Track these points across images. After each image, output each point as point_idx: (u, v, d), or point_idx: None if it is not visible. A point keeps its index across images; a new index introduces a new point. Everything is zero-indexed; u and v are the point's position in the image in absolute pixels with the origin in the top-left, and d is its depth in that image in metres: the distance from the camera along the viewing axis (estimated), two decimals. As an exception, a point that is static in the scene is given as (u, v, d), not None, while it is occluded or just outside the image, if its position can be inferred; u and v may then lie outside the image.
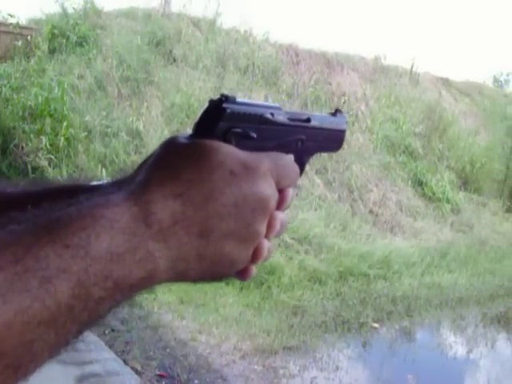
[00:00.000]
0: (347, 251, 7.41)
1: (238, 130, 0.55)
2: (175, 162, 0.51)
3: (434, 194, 10.41)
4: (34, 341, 0.42)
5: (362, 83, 12.04)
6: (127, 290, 0.48)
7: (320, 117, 0.66)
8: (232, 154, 0.52)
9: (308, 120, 0.64)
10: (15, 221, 0.45)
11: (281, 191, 0.57)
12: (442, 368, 5.72)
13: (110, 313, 0.48)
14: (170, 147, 0.54)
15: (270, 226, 0.55)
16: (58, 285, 0.43)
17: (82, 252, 0.44)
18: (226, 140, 0.54)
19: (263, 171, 0.53)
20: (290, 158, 0.59)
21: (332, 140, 0.70)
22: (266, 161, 0.54)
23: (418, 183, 10.55)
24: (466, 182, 11.46)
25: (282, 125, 0.60)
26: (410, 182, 10.45)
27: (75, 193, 0.63)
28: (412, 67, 13.30)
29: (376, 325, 6.11)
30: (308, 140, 0.64)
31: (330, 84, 11.39)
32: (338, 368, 5.14)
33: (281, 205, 0.57)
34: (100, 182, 0.68)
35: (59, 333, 0.44)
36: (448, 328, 6.87)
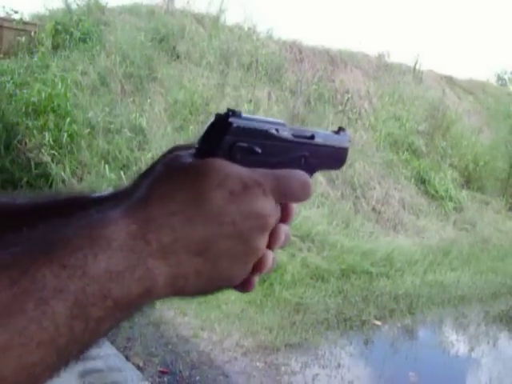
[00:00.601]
0: (350, 249, 7.41)
1: (244, 144, 0.55)
2: (175, 180, 0.51)
3: (436, 192, 10.40)
4: (35, 364, 0.42)
5: (366, 81, 12.03)
6: (126, 307, 0.48)
7: (324, 134, 0.66)
8: (233, 173, 0.52)
9: (312, 137, 0.64)
10: (12, 243, 0.45)
11: (286, 205, 0.58)
12: (444, 366, 5.71)
13: (110, 331, 0.48)
14: (172, 164, 0.53)
15: (274, 238, 0.56)
16: (55, 305, 0.43)
17: (79, 272, 0.44)
18: (230, 154, 0.54)
19: (263, 190, 0.53)
20: (298, 173, 0.59)
21: (335, 158, 0.70)
22: (268, 179, 0.54)
23: (421, 181, 10.54)
24: (469, 181, 11.44)
25: (287, 141, 0.60)
26: (412, 179, 10.44)
27: (80, 205, 0.65)
28: (415, 65, 13.29)
29: (378, 322, 6.11)
30: (311, 157, 0.64)
31: (334, 81, 11.37)
32: (339, 365, 5.14)
33: (286, 219, 0.58)
34: (103, 194, 0.69)
35: (60, 354, 0.44)
36: (450, 326, 6.87)
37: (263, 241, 0.54)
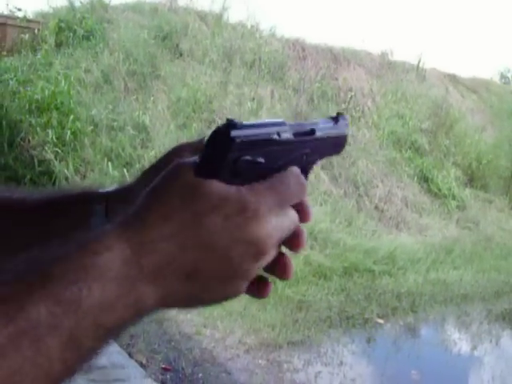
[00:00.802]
0: (352, 247, 7.41)
1: (247, 158, 0.54)
2: (173, 200, 0.51)
3: (439, 190, 10.39)
4: None
5: (369, 79, 12.01)
6: (117, 331, 0.49)
7: (323, 126, 0.65)
8: (229, 197, 0.51)
9: (312, 131, 0.63)
10: (8, 270, 0.46)
11: (298, 205, 0.58)
12: (446, 364, 5.72)
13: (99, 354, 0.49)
14: (171, 180, 0.52)
15: (296, 240, 0.57)
16: (50, 342, 0.43)
17: (73, 306, 0.44)
18: (234, 169, 0.53)
19: (261, 213, 0.52)
20: (293, 173, 0.58)
21: (335, 146, 0.70)
22: (266, 196, 0.53)
23: (424, 179, 10.52)
24: (472, 179, 11.42)
25: (289, 143, 0.59)
26: (415, 178, 10.43)
27: (90, 201, 0.69)
28: (419, 63, 13.25)
29: (380, 320, 6.11)
30: (313, 152, 0.64)
31: (337, 79, 11.36)
32: (342, 363, 5.15)
33: (304, 216, 0.59)
34: (110, 189, 0.70)
35: (54, 383, 0.45)
36: (452, 324, 6.87)
37: (256, 265, 0.53)
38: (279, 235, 0.54)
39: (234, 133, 0.52)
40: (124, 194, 0.69)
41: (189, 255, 0.50)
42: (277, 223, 0.53)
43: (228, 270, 0.52)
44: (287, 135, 0.59)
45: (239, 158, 0.53)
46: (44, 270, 0.46)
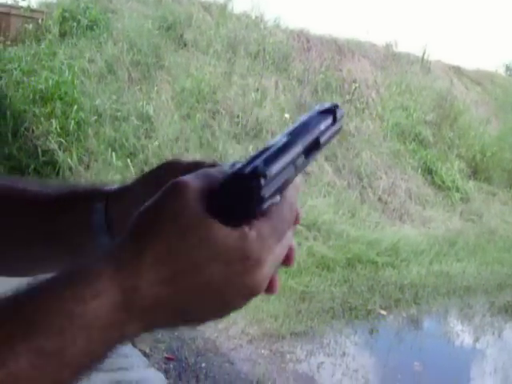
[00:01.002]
0: (356, 238, 7.41)
1: (269, 203, 0.50)
2: (172, 239, 0.47)
3: (443, 182, 10.37)
4: None
5: (373, 70, 11.97)
6: (98, 365, 0.48)
7: (325, 129, 0.59)
8: (235, 245, 0.48)
9: (318, 142, 0.57)
10: None
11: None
12: (449, 356, 5.73)
13: None
14: (171, 208, 0.48)
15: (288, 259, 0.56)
16: None
17: (57, 357, 0.43)
18: (255, 214, 0.49)
19: (263, 260, 0.50)
20: (288, 203, 0.53)
21: (331, 141, 0.65)
22: (269, 241, 0.50)
23: (428, 171, 10.51)
24: (476, 171, 11.39)
25: (302, 169, 0.56)
26: (419, 170, 10.41)
27: (92, 199, 0.68)
28: (423, 55, 13.20)
29: (383, 312, 6.12)
30: (315, 156, 0.60)
31: (341, 71, 11.32)
32: (344, 354, 5.17)
33: (295, 222, 0.56)
34: (112, 188, 0.69)
35: None
36: (455, 316, 6.88)
37: (246, 302, 0.52)
38: (275, 268, 0.52)
39: (264, 191, 0.48)
40: (123, 193, 0.68)
41: (183, 297, 0.48)
42: (274, 259, 0.51)
43: (220, 305, 0.51)
44: (302, 162, 0.55)
45: (261, 207, 0.49)
46: (27, 317, 0.44)
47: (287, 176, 0.52)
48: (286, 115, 9.38)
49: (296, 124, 0.57)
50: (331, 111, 0.61)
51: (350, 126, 10.05)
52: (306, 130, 0.56)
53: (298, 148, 0.53)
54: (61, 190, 0.73)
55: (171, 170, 0.63)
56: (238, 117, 8.96)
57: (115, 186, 0.70)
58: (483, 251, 8.46)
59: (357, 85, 11.05)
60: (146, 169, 7.38)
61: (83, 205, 0.68)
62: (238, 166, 0.49)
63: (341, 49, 11.86)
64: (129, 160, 7.34)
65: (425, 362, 5.22)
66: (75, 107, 7.41)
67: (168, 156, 7.73)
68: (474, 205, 10.30)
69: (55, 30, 8.89)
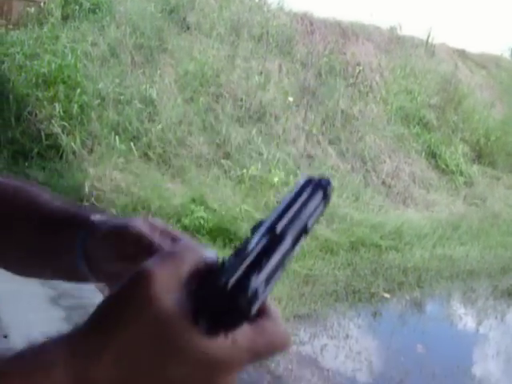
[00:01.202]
0: (359, 222, 7.41)
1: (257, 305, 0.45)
2: (137, 336, 0.43)
3: (447, 166, 10.35)
4: None
5: (377, 53, 11.90)
6: None
7: (314, 208, 0.51)
8: (208, 355, 0.43)
9: (305, 228, 0.50)
10: None
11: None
12: (452, 339, 5.75)
13: None
14: (139, 304, 0.43)
15: None
16: None
17: None
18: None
19: (233, 369, 0.46)
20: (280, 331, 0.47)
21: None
22: (244, 354, 0.45)
23: (432, 155, 10.48)
24: (480, 155, 11.36)
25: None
26: (423, 153, 10.39)
27: (74, 225, 0.69)
28: (428, 38, 13.11)
29: (387, 295, 6.14)
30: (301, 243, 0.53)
31: (345, 54, 11.26)
32: (347, 336, 5.19)
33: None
34: (95, 217, 0.69)
35: None
36: (458, 300, 6.90)
37: None
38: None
39: (254, 308, 0.44)
40: (97, 230, 0.67)
41: None
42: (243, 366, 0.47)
43: None
44: (289, 253, 0.48)
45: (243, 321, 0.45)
46: None
47: (276, 281, 0.47)
48: (290, 98, 9.35)
49: (282, 205, 0.50)
50: (321, 187, 0.53)
51: (353, 109, 10.02)
52: (295, 216, 0.49)
53: (287, 244, 0.47)
54: (61, 208, 0.73)
55: (120, 239, 0.63)
56: (241, 100, 8.94)
57: (101, 217, 0.69)
58: (487, 235, 8.47)
59: (361, 68, 10.98)
60: (150, 153, 7.41)
61: (71, 230, 0.69)
62: (223, 269, 0.44)
63: (345, 32, 11.79)
64: (132, 143, 7.34)
65: (428, 344, 5.25)
66: (78, 91, 7.39)
67: (171, 139, 7.73)
68: (477, 189, 10.29)
69: (57, 13, 8.84)
